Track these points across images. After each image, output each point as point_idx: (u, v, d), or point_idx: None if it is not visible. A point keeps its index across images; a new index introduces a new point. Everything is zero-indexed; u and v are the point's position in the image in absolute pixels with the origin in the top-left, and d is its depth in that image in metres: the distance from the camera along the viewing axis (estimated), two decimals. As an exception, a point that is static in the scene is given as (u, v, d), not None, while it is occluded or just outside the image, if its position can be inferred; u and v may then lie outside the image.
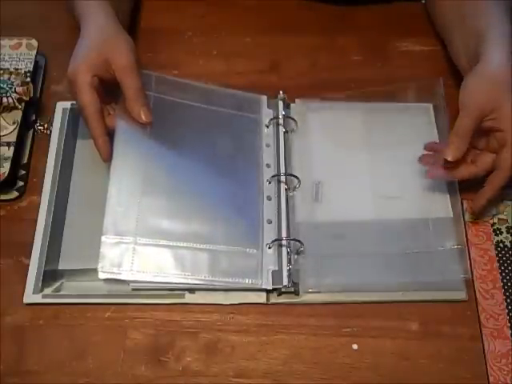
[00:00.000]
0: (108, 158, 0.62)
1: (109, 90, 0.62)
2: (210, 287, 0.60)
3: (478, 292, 0.61)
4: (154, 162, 0.63)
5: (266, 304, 0.60)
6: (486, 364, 0.58)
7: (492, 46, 0.61)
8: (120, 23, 0.66)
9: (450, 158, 0.60)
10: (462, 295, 0.61)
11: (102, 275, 0.57)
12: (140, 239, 0.59)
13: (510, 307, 0.60)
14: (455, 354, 0.59)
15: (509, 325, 0.60)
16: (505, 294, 0.61)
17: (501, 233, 0.64)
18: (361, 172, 0.66)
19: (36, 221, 0.64)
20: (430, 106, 0.70)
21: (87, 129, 0.61)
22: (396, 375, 0.58)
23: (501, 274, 0.62)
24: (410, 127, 0.69)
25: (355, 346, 0.59)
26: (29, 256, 0.62)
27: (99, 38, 0.62)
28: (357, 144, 0.68)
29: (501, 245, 0.64)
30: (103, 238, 0.58)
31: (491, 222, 0.65)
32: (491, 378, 0.57)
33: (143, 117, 0.61)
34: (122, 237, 0.59)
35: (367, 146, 0.68)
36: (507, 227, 0.65)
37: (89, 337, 0.59)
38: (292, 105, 0.71)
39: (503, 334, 0.59)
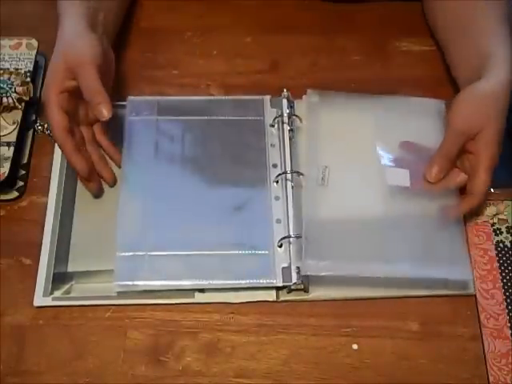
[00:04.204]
0: (87, 174, 0.62)
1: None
2: (222, 285, 0.60)
3: (478, 292, 0.61)
4: (162, 176, 0.64)
5: (271, 302, 0.60)
6: (485, 364, 0.58)
7: (495, 69, 0.61)
8: (103, 21, 0.66)
9: (432, 180, 0.61)
10: (470, 289, 0.61)
11: (117, 289, 0.59)
12: (152, 252, 0.60)
13: (510, 307, 0.60)
14: (455, 354, 0.59)
15: (509, 325, 0.60)
16: (505, 294, 0.61)
17: (501, 233, 0.64)
18: (367, 158, 0.66)
19: (37, 221, 0.64)
20: (443, 103, 0.69)
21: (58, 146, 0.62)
22: (396, 375, 0.58)
23: (501, 274, 0.62)
24: (420, 124, 0.68)
25: (355, 346, 0.59)
26: (29, 256, 0.63)
27: (63, 46, 0.61)
28: (364, 134, 0.68)
29: (501, 245, 0.64)
30: (117, 254, 0.59)
31: (491, 221, 0.65)
32: (491, 378, 0.57)
33: (104, 112, 0.59)
34: (134, 251, 0.60)
35: (375, 136, 0.67)
36: (507, 227, 0.65)
37: (89, 337, 0.59)
38: (297, 101, 0.70)
39: (503, 334, 0.59)
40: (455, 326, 0.60)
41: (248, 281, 0.60)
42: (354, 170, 0.65)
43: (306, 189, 0.64)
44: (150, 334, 0.60)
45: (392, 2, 0.79)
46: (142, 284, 0.59)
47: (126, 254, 0.60)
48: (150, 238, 0.61)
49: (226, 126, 0.68)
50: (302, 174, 0.65)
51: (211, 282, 0.59)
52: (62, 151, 0.61)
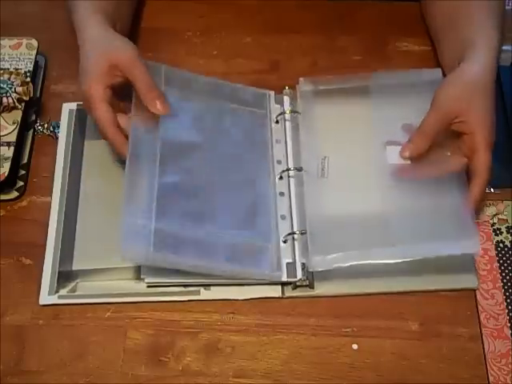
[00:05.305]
0: None
1: (123, 94, 0.62)
2: (225, 280, 0.60)
3: (478, 292, 0.61)
4: (168, 158, 0.62)
5: (273, 300, 0.61)
6: (485, 364, 0.58)
7: (476, 53, 0.62)
8: (120, 29, 0.66)
9: (407, 155, 0.61)
10: (473, 283, 0.61)
11: (120, 251, 0.55)
12: (158, 225, 0.58)
13: (510, 307, 0.60)
14: (455, 354, 0.59)
15: (509, 325, 0.60)
16: (505, 294, 0.61)
17: (501, 233, 0.64)
18: (366, 142, 0.65)
19: (37, 221, 0.64)
20: (439, 71, 0.67)
21: (107, 141, 0.61)
22: (396, 375, 0.58)
23: (501, 274, 0.62)
24: (419, 96, 0.65)
25: (355, 346, 0.59)
26: (29, 256, 0.63)
27: (99, 47, 0.62)
28: (362, 118, 0.67)
29: (501, 245, 0.64)
30: (123, 223, 0.57)
31: (491, 222, 0.65)
32: (491, 378, 0.57)
33: (159, 108, 0.61)
34: (140, 222, 0.58)
35: (373, 124, 0.67)
36: (507, 227, 0.65)
37: (89, 337, 0.59)
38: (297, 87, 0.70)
39: (503, 334, 0.59)
40: (455, 326, 0.60)
41: (252, 269, 0.59)
42: (353, 157, 0.65)
43: (308, 183, 0.63)
44: (150, 333, 0.60)
45: (392, 2, 0.79)
46: (145, 254, 0.56)
47: (132, 223, 0.57)
48: (155, 214, 0.59)
49: (231, 113, 0.68)
50: (302, 170, 0.64)
51: (215, 266, 0.58)
52: (112, 144, 0.61)
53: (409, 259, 0.58)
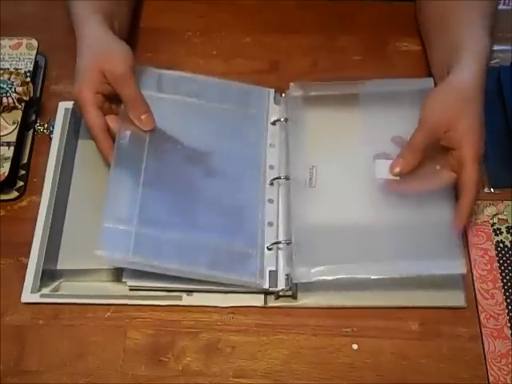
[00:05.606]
0: None
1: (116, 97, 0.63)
2: (208, 287, 0.59)
3: (478, 292, 0.61)
4: (155, 159, 0.63)
5: (264, 307, 0.60)
6: (485, 364, 0.58)
7: (464, 61, 0.61)
8: (118, 28, 0.67)
9: (397, 171, 0.60)
10: (460, 302, 0.60)
11: (98, 253, 0.56)
12: (139, 228, 0.58)
13: (510, 307, 0.60)
14: (455, 354, 0.59)
15: (509, 325, 0.60)
16: (505, 294, 0.61)
17: (501, 233, 0.64)
18: (356, 158, 0.64)
19: (36, 221, 0.64)
20: (431, 81, 0.66)
21: (96, 146, 0.62)
22: (396, 375, 0.58)
23: (501, 274, 0.62)
24: (410, 106, 0.64)
25: (355, 346, 0.59)
26: (28, 256, 0.63)
27: (93, 55, 0.62)
28: (352, 132, 0.66)
29: (501, 245, 0.64)
30: (103, 225, 0.57)
31: (491, 222, 0.65)
32: (491, 378, 0.57)
33: (145, 125, 0.62)
34: (121, 225, 0.58)
35: (363, 134, 0.66)
36: (507, 227, 0.65)
37: (89, 337, 0.59)
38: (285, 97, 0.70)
39: (503, 334, 0.59)
40: (455, 326, 0.60)
41: (234, 276, 0.58)
42: (341, 168, 0.64)
43: (295, 192, 0.62)
44: (150, 333, 0.60)
45: (392, 2, 0.79)
46: (123, 257, 0.57)
47: (112, 225, 0.57)
48: (138, 216, 0.59)
49: (225, 114, 0.68)
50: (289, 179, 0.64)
51: (195, 270, 0.58)
52: (100, 150, 0.61)
53: (394, 276, 0.57)
